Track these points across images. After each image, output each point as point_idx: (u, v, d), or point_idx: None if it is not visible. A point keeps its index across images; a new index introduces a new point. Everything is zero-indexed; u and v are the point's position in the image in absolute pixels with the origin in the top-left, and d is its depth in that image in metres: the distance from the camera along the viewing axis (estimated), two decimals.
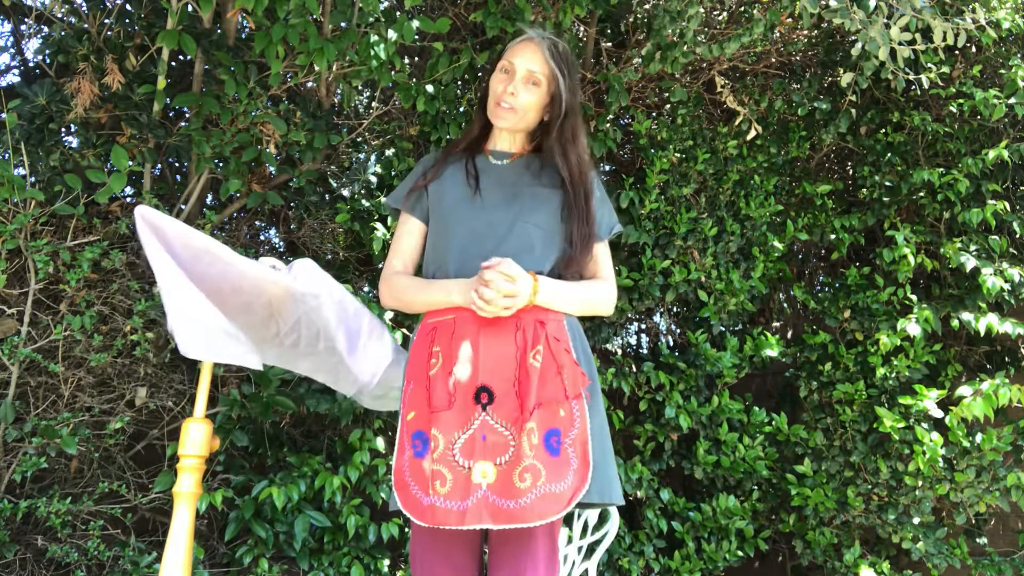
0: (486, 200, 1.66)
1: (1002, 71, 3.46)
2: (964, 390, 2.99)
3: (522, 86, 1.66)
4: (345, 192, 2.98)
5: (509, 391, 1.48)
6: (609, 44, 3.58)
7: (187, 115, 2.74)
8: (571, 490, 1.41)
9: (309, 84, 3.00)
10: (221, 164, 2.65)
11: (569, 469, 1.42)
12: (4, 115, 2.32)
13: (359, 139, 3.07)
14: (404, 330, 2.70)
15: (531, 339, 1.51)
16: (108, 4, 2.61)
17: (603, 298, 1.69)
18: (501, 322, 1.53)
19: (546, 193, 1.68)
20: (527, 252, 1.60)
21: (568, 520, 2.62)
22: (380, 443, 2.66)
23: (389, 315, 2.68)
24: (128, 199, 2.75)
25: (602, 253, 1.74)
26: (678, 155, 3.38)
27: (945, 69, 3.08)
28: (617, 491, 1.50)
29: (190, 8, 2.45)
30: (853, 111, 3.54)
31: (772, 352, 3.34)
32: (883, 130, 3.63)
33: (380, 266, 3.06)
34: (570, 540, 2.55)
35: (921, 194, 3.47)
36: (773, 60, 3.65)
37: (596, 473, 1.46)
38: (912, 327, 3.16)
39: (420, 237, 1.76)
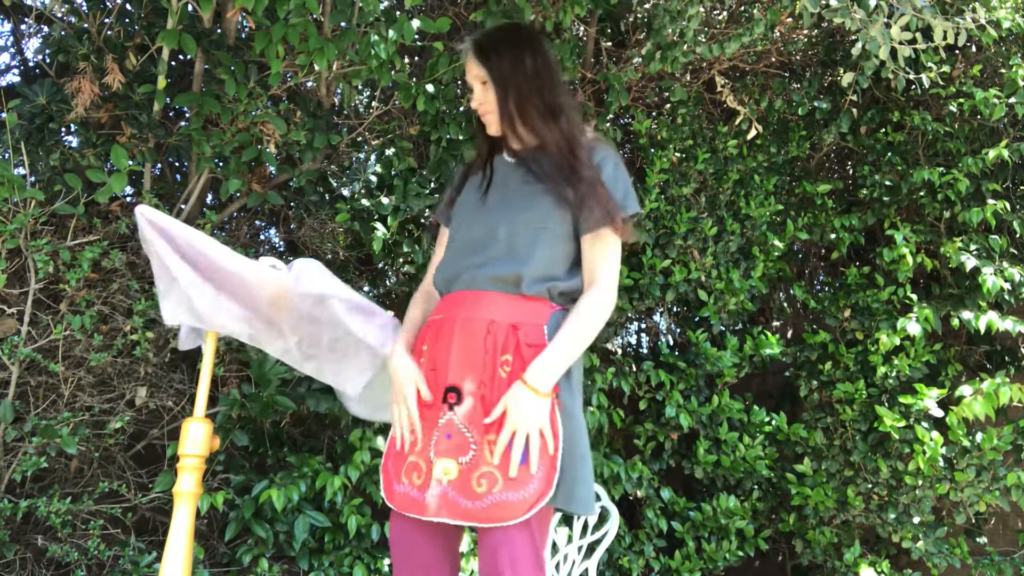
0: (488, 204, 1.65)
1: (1002, 70, 3.46)
2: (965, 389, 2.99)
3: (481, 93, 1.68)
4: (345, 192, 2.98)
5: (477, 395, 1.49)
6: (609, 44, 3.58)
7: (187, 115, 2.74)
8: (534, 496, 1.41)
9: (309, 84, 3.00)
10: (221, 164, 2.65)
11: (533, 478, 1.42)
12: (4, 115, 2.32)
13: (359, 139, 3.07)
14: None
15: (501, 344, 1.51)
16: (108, 4, 2.61)
17: (597, 316, 1.55)
18: (476, 323, 1.53)
19: (532, 189, 1.63)
20: (512, 256, 1.57)
21: (568, 520, 2.62)
22: (380, 442, 2.66)
23: (389, 314, 2.68)
24: (128, 199, 2.74)
25: (600, 248, 1.59)
26: (678, 155, 3.38)
27: (945, 68, 3.08)
28: (585, 501, 1.48)
29: (190, 8, 2.45)
30: (853, 111, 3.54)
31: (772, 351, 3.34)
32: (883, 130, 3.63)
33: (380, 266, 3.07)
34: (570, 540, 2.55)
35: (921, 194, 3.47)
36: (773, 60, 3.65)
37: (563, 479, 1.45)
38: (912, 326, 3.16)
39: (442, 247, 1.80)
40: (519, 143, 1.71)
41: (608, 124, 3.24)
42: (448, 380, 1.51)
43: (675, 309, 3.83)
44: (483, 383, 1.49)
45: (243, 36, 2.81)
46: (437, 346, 1.57)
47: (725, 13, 3.52)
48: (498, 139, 1.73)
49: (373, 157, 2.99)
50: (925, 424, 3.10)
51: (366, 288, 3.02)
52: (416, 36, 2.50)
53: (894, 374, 3.23)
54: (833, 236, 3.59)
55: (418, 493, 1.48)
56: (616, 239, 1.59)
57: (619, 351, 3.91)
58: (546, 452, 1.44)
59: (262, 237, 3.30)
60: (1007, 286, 3.19)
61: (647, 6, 3.47)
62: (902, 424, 3.05)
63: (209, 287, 1.64)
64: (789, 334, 4.31)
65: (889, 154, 3.57)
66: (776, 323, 4.26)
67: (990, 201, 3.32)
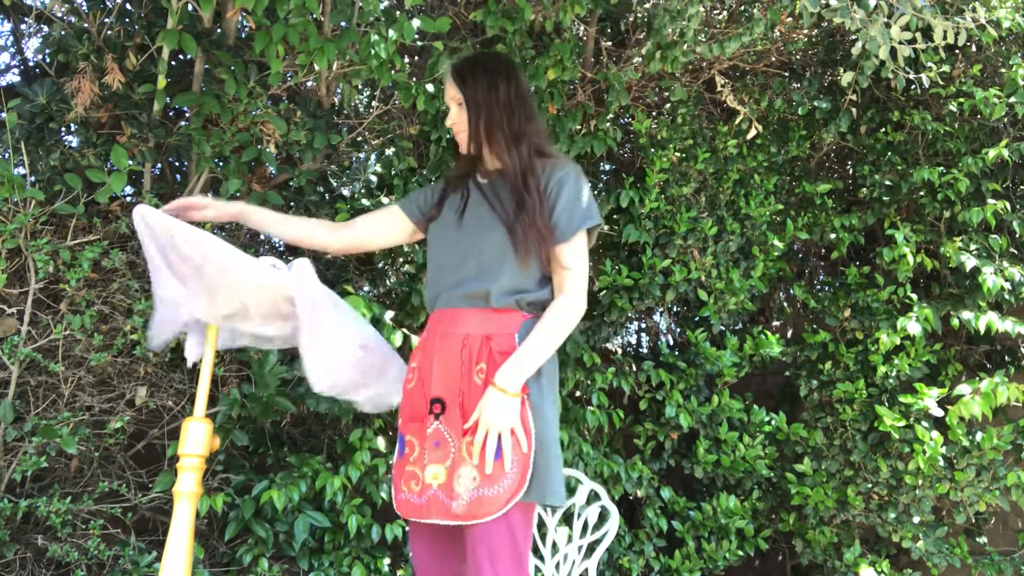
0: (463, 226, 1.74)
1: (1002, 70, 3.46)
2: (963, 388, 2.99)
3: (456, 113, 1.78)
4: (345, 191, 2.98)
5: (456, 403, 1.62)
6: (609, 43, 3.58)
7: (187, 115, 2.74)
8: (509, 491, 1.52)
9: (309, 84, 3.00)
10: (221, 164, 2.65)
11: (506, 474, 1.53)
12: (4, 114, 2.32)
13: (359, 138, 3.07)
14: (404, 330, 2.70)
15: (475, 355, 1.62)
16: (108, 3, 2.61)
17: (563, 321, 1.63)
18: (453, 339, 1.65)
19: (497, 211, 1.72)
20: (482, 275, 1.66)
21: (568, 519, 2.63)
22: (381, 443, 2.66)
23: (389, 315, 2.68)
24: (128, 198, 2.75)
25: (561, 261, 1.66)
26: (678, 154, 3.38)
27: (945, 68, 3.08)
28: (558, 494, 1.59)
29: (190, 8, 2.45)
30: (853, 110, 3.54)
31: (772, 351, 3.34)
32: (883, 129, 3.63)
33: (380, 265, 3.07)
34: (570, 539, 2.55)
35: (921, 193, 3.47)
36: (773, 59, 3.65)
37: (536, 475, 1.56)
38: (912, 326, 3.16)
39: (383, 215, 1.89)
40: (490, 164, 1.80)
41: (608, 124, 3.24)
42: (432, 392, 1.64)
43: (675, 309, 3.83)
44: (461, 391, 1.62)
45: (243, 36, 2.81)
46: (423, 363, 1.70)
47: (725, 13, 3.52)
48: (475, 160, 1.81)
49: (373, 157, 3.00)
50: (925, 424, 3.10)
51: (366, 288, 3.02)
52: (416, 36, 2.50)
53: (894, 374, 3.23)
54: (833, 236, 3.59)
55: (417, 499, 1.61)
56: (578, 249, 1.68)
57: (619, 351, 3.91)
58: (519, 449, 1.55)
59: (262, 237, 3.29)
60: (1007, 286, 3.19)
61: (647, 6, 3.47)
62: (902, 424, 3.05)
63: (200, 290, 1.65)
64: (789, 334, 4.31)
65: (889, 154, 3.57)
66: (776, 323, 4.27)
67: (990, 201, 3.32)
